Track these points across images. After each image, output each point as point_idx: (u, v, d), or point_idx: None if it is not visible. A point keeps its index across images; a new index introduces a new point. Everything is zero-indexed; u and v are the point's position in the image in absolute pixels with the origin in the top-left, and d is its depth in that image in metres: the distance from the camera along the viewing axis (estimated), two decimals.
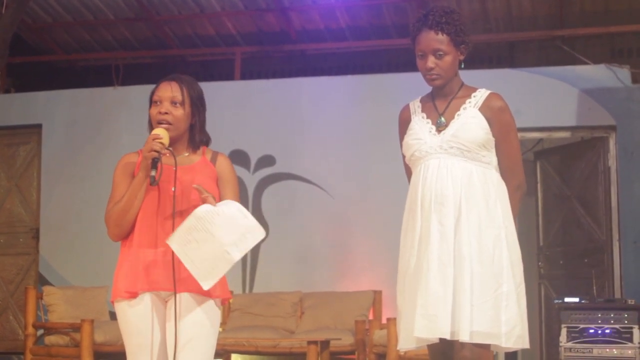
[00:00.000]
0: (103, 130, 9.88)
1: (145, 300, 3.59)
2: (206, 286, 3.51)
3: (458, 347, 3.59)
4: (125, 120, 9.59)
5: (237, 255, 3.53)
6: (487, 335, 3.55)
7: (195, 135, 3.77)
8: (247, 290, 9.35)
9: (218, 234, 3.49)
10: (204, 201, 3.53)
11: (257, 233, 3.57)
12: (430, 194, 3.67)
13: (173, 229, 3.54)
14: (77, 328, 7.60)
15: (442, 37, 3.71)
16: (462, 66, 3.82)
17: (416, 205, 3.71)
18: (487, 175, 3.71)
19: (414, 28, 3.79)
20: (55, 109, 10.10)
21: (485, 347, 3.60)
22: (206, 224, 3.49)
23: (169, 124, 3.66)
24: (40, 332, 8.05)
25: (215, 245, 3.49)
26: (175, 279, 3.53)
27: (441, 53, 3.72)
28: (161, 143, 3.55)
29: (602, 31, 9.58)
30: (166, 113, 3.66)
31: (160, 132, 3.60)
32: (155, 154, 3.54)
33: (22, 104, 10.24)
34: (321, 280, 9.13)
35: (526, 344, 3.66)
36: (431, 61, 3.72)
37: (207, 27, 10.35)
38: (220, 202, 3.59)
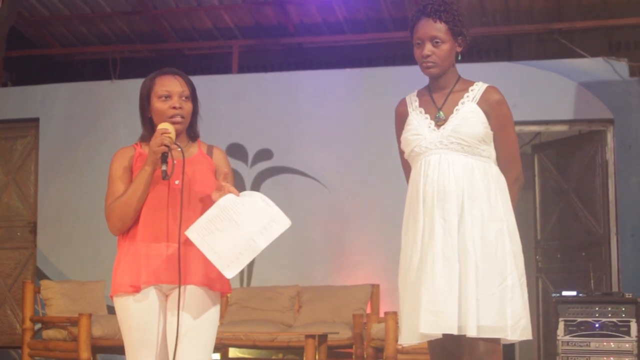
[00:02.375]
0: (100, 124, 9.86)
1: (149, 295, 3.60)
2: (229, 275, 3.51)
3: (468, 342, 3.60)
4: (123, 113, 9.57)
5: (263, 244, 3.52)
6: (494, 329, 3.57)
7: (194, 128, 3.81)
8: (244, 284, 9.35)
9: (243, 223, 3.51)
10: (220, 191, 3.56)
11: (282, 222, 3.57)
12: (432, 190, 3.67)
13: (180, 221, 3.55)
14: (74, 322, 7.59)
15: (440, 25, 3.73)
16: (460, 58, 3.82)
17: (418, 201, 3.71)
18: (487, 169, 3.72)
19: (413, 18, 3.82)
20: (52, 102, 10.08)
21: (496, 340, 3.62)
22: (230, 213, 3.52)
23: (182, 117, 3.69)
24: (38, 326, 8.04)
25: (240, 234, 3.50)
26: (180, 272, 3.54)
27: (438, 41, 3.73)
28: (170, 137, 3.57)
29: (599, 24, 9.57)
30: (180, 107, 3.68)
31: (168, 126, 3.62)
32: (165, 149, 3.55)
33: (20, 98, 10.22)
34: (319, 274, 9.14)
35: (529, 335, 3.69)
36: (428, 49, 3.74)
37: (204, 20, 10.33)
38: (243, 193, 3.60)
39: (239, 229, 3.51)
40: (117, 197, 3.64)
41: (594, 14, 9.56)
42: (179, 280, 3.55)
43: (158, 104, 3.69)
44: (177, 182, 3.63)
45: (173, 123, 3.65)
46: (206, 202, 3.65)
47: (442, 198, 3.65)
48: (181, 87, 3.70)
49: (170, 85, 3.70)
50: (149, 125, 3.74)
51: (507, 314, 3.59)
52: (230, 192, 3.55)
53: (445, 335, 3.61)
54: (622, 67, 8.88)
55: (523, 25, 9.85)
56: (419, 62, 3.79)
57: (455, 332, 3.55)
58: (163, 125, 3.62)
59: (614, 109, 8.82)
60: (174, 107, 3.67)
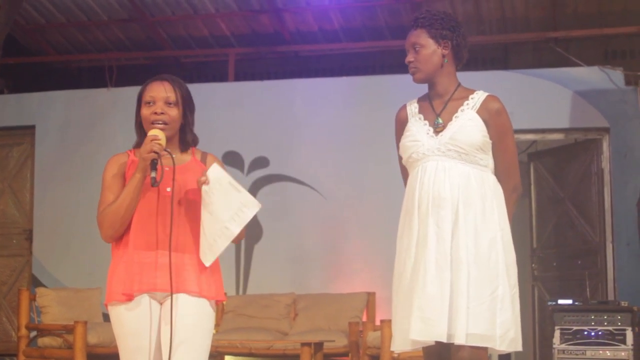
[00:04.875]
0: (97, 131, 9.86)
1: (142, 303, 3.58)
2: (207, 262, 3.60)
3: (455, 349, 3.59)
4: (119, 121, 9.57)
5: (236, 230, 3.59)
6: (483, 338, 3.56)
7: (186, 135, 3.77)
8: (240, 292, 9.34)
9: (217, 212, 3.56)
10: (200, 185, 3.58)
11: (252, 206, 3.61)
12: (428, 196, 3.67)
13: (171, 229, 3.55)
14: (70, 330, 7.58)
15: (418, 31, 3.81)
16: (446, 60, 3.82)
17: (413, 208, 3.71)
18: (484, 178, 3.72)
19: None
20: (48, 110, 10.08)
21: (483, 348, 3.60)
22: (205, 203, 3.57)
23: (165, 124, 3.65)
24: (34, 333, 8.03)
25: (213, 223, 3.57)
26: (173, 280, 3.53)
27: (418, 46, 3.80)
28: (159, 144, 3.55)
29: (595, 33, 9.59)
30: (162, 113, 3.65)
31: (158, 133, 3.59)
32: (155, 155, 3.53)
33: (16, 105, 10.22)
34: (315, 281, 9.13)
35: (519, 347, 3.67)
36: (410, 56, 3.82)
37: (200, 28, 10.34)
38: (211, 174, 3.58)
39: (212, 218, 3.57)
40: (109, 204, 3.62)
41: (590, 23, 9.58)
42: (171, 288, 3.54)
43: (143, 110, 3.69)
44: (168, 189, 3.61)
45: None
46: (198, 209, 3.64)
47: (437, 205, 3.65)
48: (166, 92, 3.67)
49: (154, 91, 3.68)
50: (140, 132, 3.74)
51: (497, 323, 3.59)
52: (202, 183, 3.58)
53: (439, 344, 3.61)
54: (617, 75, 8.89)
55: (519, 34, 9.87)
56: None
57: (444, 340, 3.55)
58: (153, 132, 3.60)
59: (609, 117, 8.84)
60: (155, 113, 3.65)
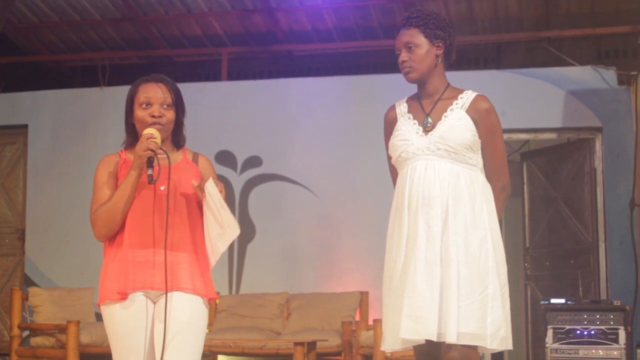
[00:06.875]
0: (89, 130, 9.85)
1: (136, 301, 3.58)
2: (212, 264, 3.76)
3: (445, 348, 3.60)
4: (112, 120, 9.55)
5: (222, 248, 3.68)
6: (474, 337, 3.57)
7: (179, 135, 3.79)
8: (233, 291, 9.34)
9: (209, 228, 3.65)
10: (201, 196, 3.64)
11: (233, 229, 3.63)
12: (418, 195, 3.68)
13: (166, 227, 3.55)
14: (62, 329, 7.57)
15: (412, 31, 3.80)
16: (440, 60, 3.83)
17: (403, 207, 3.72)
18: (473, 177, 3.72)
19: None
20: (41, 109, 10.06)
21: (473, 347, 3.61)
22: (204, 213, 3.67)
23: (162, 126, 3.67)
24: (26, 333, 8.02)
25: (208, 238, 3.67)
26: (168, 279, 3.53)
27: (412, 46, 3.79)
28: (155, 142, 3.56)
29: (588, 33, 9.61)
30: (160, 116, 3.66)
31: (153, 131, 3.60)
32: (151, 153, 3.54)
33: (8, 104, 10.20)
34: (308, 281, 9.13)
35: (509, 346, 3.68)
36: (403, 55, 3.81)
37: (194, 27, 10.33)
38: (206, 189, 3.60)
39: (207, 233, 3.67)
40: (103, 202, 3.62)
41: (583, 22, 9.59)
42: (166, 287, 3.54)
43: (139, 112, 3.69)
44: (162, 188, 3.62)
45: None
46: (192, 208, 3.66)
47: (427, 204, 3.66)
48: (163, 95, 3.68)
49: (151, 93, 3.68)
50: (132, 132, 3.74)
51: (487, 322, 3.59)
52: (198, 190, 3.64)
53: (429, 343, 3.62)
54: (610, 75, 8.91)
55: (512, 34, 9.87)
56: (401, 70, 3.83)
57: (434, 339, 3.56)
58: (149, 130, 3.60)
59: (602, 117, 8.85)
60: (153, 116, 3.66)
